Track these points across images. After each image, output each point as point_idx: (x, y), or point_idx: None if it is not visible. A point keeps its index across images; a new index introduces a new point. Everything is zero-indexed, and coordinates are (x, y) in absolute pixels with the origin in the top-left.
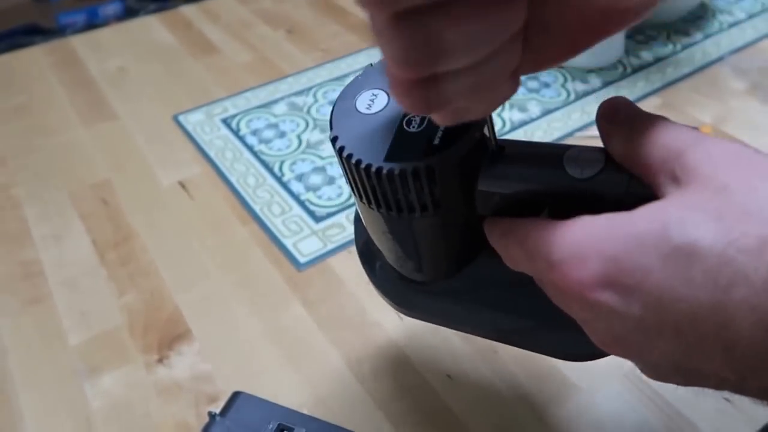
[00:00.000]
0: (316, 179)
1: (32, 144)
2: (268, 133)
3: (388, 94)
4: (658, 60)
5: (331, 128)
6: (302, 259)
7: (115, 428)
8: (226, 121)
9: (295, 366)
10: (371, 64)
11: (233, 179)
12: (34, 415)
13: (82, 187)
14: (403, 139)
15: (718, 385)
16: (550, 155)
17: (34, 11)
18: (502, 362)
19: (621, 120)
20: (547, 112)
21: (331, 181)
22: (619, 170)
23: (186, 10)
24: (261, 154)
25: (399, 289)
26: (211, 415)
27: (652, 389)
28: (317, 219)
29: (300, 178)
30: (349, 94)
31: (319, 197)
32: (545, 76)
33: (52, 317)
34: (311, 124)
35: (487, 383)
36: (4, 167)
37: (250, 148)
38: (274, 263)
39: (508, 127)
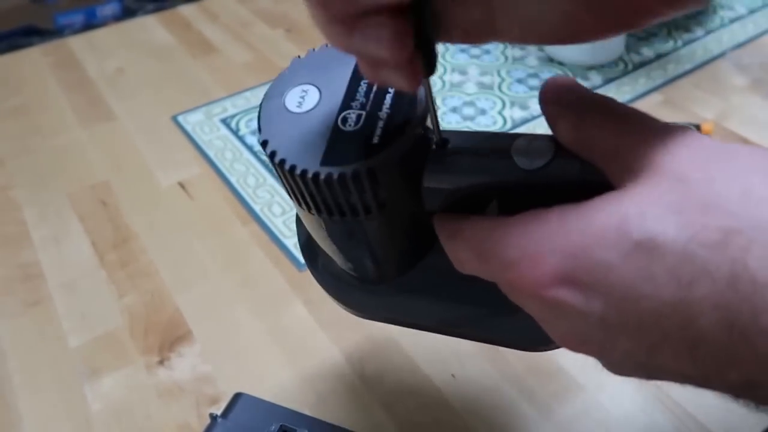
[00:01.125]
0: None
1: (30, 145)
2: None
3: (319, 89)
4: (659, 56)
5: (259, 131)
6: (303, 259)
7: (116, 431)
8: (225, 121)
9: (296, 366)
10: (299, 56)
11: (233, 179)
12: (34, 417)
13: (81, 188)
14: (339, 139)
15: (683, 381)
16: (497, 146)
17: (31, 12)
18: (507, 361)
19: (568, 103)
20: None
21: None
22: (570, 158)
23: (184, 9)
24: (261, 154)
25: (344, 288)
26: (213, 417)
27: (659, 389)
28: None
29: None
30: (277, 91)
31: None
32: (546, 73)
33: (51, 319)
34: None
35: (492, 382)
36: (2, 169)
37: (249, 148)
38: (275, 263)
39: (509, 124)
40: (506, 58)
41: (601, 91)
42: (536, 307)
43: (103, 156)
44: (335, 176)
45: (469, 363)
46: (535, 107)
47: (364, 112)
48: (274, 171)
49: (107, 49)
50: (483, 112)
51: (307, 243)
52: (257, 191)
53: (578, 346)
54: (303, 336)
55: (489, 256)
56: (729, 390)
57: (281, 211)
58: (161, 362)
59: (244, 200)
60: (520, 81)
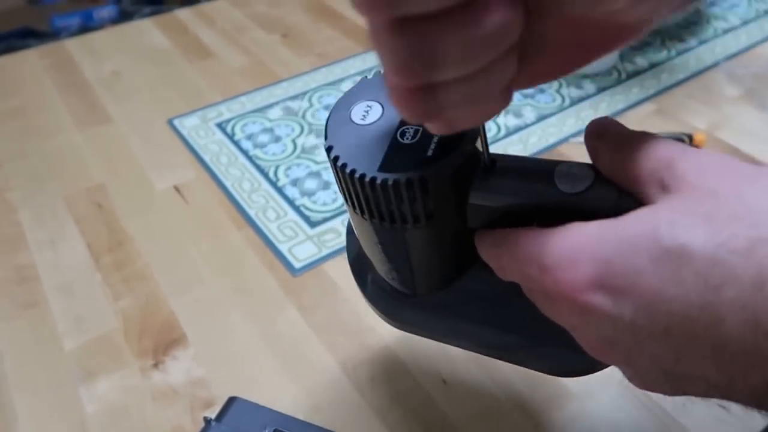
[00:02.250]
0: (311, 184)
1: (26, 148)
2: (263, 138)
3: (382, 106)
4: (652, 66)
5: (326, 138)
6: (297, 265)
7: None
8: (221, 126)
9: (290, 371)
10: (366, 77)
11: (228, 184)
12: (29, 420)
13: (76, 191)
14: (397, 150)
15: (707, 390)
16: (541, 170)
17: (28, 14)
18: (498, 367)
19: (609, 137)
20: (541, 118)
21: (326, 186)
22: (609, 185)
23: (181, 13)
24: (256, 158)
25: (389, 301)
26: (207, 421)
27: (648, 396)
28: (312, 224)
29: (295, 182)
30: (344, 104)
31: (314, 202)
32: None
33: (46, 322)
34: (306, 129)
35: (483, 388)
36: None
37: (245, 153)
38: (269, 268)
39: (503, 132)
40: None
41: (594, 100)
42: (568, 312)
43: (98, 159)
44: (390, 182)
45: (460, 369)
46: (529, 115)
47: (421, 128)
48: (335, 176)
49: (104, 52)
50: None
51: (356, 259)
52: (252, 196)
53: (607, 352)
54: (297, 341)
55: (528, 261)
56: (753, 395)
57: (276, 216)
58: (156, 365)
59: (239, 205)
60: None
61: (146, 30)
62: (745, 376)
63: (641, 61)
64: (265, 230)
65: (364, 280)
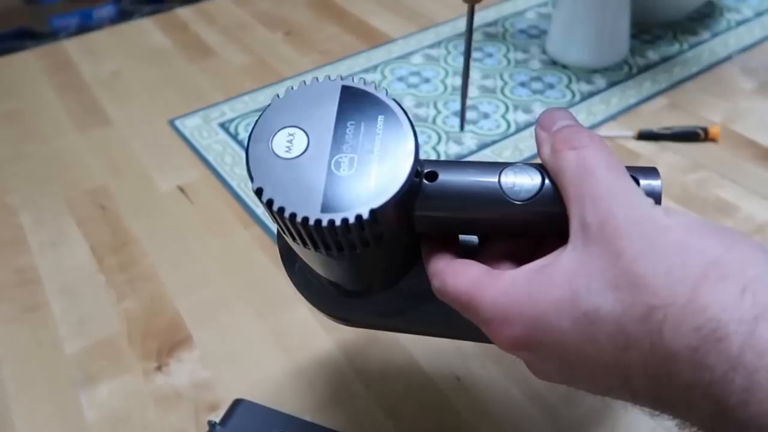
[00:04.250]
0: None
1: (25, 150)
2: None
3: (305, 132)
4: (664, 59)
5: (251, 179)
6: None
7: None
8: (223, 126)
9: (298, 371)
10: (277, 95)
11: (234, 183)
12: (28, 426)
13: (78, 192)
14: (335, 184)
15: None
16: (486, 178)
17: (25, 14)
18: (512, 362)
19: (557, 133)
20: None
21: None
22: (555, 192)
23: (182, 12)
24: None
25: (329, 298)
26: (212, 424)
27: None
28: None
29: None
30: (262, 134)
31: None
32: (549, 77)
33: (48, 325)
34: None
35: (497, 384)
36: None
37: None
38: (277, 266)
39: (513, 128)
40: (509, 61)
41: (605, 95)
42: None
43: (100, 160)
44: (338, 222)
45: (474, 365)
46: (539, 111)
47: (356, 155)
48: (272, 219)
49: (103, 53)
50: (486, 115)
51: (287, 249)
52: None
53: (543, 379)
54: (305, 340)
55: (468, 307)
56: (680, 423)
57: None
58: (159, 368)
59: (245, 203)
60: (523, 84)
61: (146, 29)
62: (665, 412)
63: (653, 55)
64: (274, 228)
65: (293, 271)
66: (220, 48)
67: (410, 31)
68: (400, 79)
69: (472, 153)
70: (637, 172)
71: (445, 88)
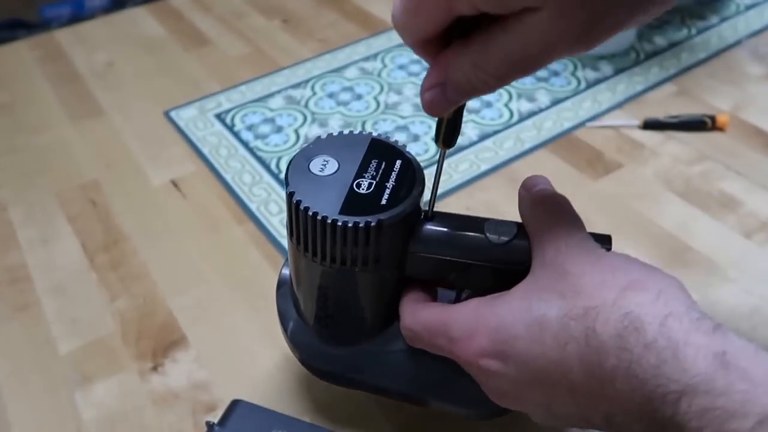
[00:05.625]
0: None
1: (16, 143)
2: (265, 128)
3: (338, 161)
4: (672, 45)
5: (287, 185)
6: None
7: None
8: (220, 117)
9: (296, 371)
10: (320, 136)
11: (228, 177)
12: (23, 427)
13: (69, 187)
14: (354, 198)
15: (579, 423)
16: (473, 224)
17: (16, 4)
18: None
19: (533, 192)
20: (556, 102)
21: None
22: (526, 238)
23: (176, 0)
24: (257, 150)
25: (315, 349)
26: (209, 425)
27: None
28: None
29: None
30: (303, 158)
31: None
32: (554, 64)
33: (40, 324)
34: (309, 118)
35: None
36: None
37: (245, 144)
38: (272, 264)
39: (516, 117)
40: None
41: (611, 82)
42: (474, 371)
43: (92, 153)
44: (350, 224)
45: None
46: (543, 99)
47: (374, 181)
48: (293, 220)
49: (96, 43)
50: (489, 104)
51: (284, 309)
52: (253, 189)
53: (503, 399)
54: None
55: (438, 334)
56: (607, 424)
57: (278, 209)
58: (155, 368)
59: (239, 199)
60: None
61: (140, 18)
62: (595, 409)
63: (660, 41)
64: (268, 225)
65: (287, 326)
66: (216, 37)
67: None
68: (401, 67)
69: (473, 144)
70: (593, 237)
71: None
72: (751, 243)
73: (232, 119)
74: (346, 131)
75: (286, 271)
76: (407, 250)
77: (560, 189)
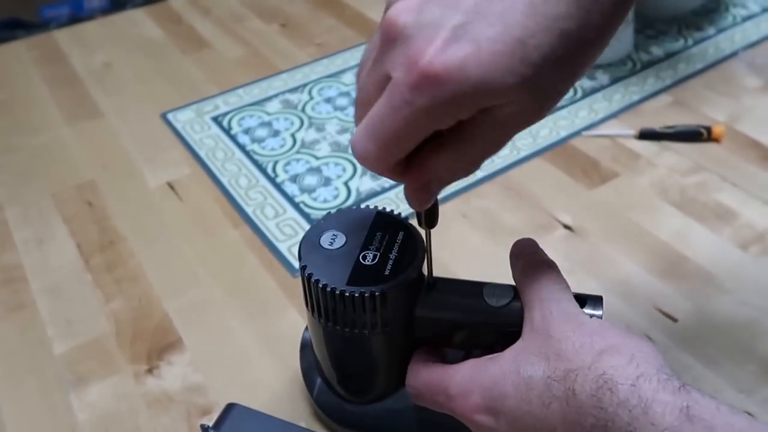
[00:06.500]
0: (311, 180)
1: (13, 143)
2: (261, 132)
3: (345, 235)
4: (669, 55)
5: (300, 259)
6: (297, 264)
7: None
8: (216, 120)
9: (291, 376)
10: (330, 212)
11: (224, 180)
12: (17, 427)
13: (65, 188)
14: (360, 269)
15: None
16: (473, 288)
17: (15, 4)
18: None
19: (524, 257)
20: (552, 111)
21: (326, 182)
22: (520, 303)
23: (175, 3)
24: (253, 153)
25: (336, 405)
26: (204, 429)
27: None
28: (312, 222)
29: (294, 179)
30: (314, 233)
31: (315, 199)
32: None
33: (35, 325)
34: (306, 123)
35: None
36: None
37: (242, 148)
38: (267, 268)
39: None
40: None
41: (608, 91)
42: (470, 425)
43: (89, 155)
44: (357, 294)
45: None
46: None
47: (379, 253)
48: (306, 291)
49: (94, 44)
50: None
51: (308, 367)
52: (249, 192)
53: None
54: (298, 344)
55: (438, 392)
56: None
57: (274, 213)
58: (150, 371)
59: (235, 202)
60: None
61: (138, 20)
62: None
63: (657, 51)
64: (264, 228)
65: (313, 387)
66: (214, 39)
67: None
68: None
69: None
70: (585, 297)
71: None
72: (747, 255)
73: (229, 122)
74: (354, 207)
75: (307, 335)
76: (414, 314)
77: (556, 198)
